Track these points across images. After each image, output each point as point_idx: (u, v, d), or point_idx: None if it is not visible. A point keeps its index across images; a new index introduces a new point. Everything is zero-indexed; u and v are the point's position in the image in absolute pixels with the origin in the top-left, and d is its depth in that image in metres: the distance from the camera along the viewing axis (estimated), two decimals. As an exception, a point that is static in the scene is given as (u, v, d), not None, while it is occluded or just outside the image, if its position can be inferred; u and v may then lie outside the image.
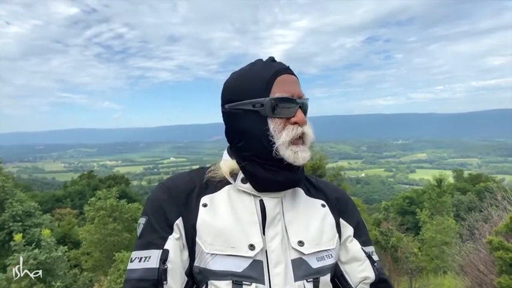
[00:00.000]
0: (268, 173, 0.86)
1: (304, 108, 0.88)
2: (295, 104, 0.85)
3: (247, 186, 0.88)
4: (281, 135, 0.83)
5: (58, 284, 6.76)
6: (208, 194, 0.89)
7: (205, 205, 0.86)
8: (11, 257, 6.72)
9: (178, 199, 0.87)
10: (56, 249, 7.53)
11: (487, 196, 6.79)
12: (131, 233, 13.17)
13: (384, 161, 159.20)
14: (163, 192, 0.89)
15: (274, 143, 0.83)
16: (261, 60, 0.93)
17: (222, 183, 0.90)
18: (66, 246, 8.62)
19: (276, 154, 0.83)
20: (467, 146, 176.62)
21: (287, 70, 0.89)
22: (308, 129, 0.87)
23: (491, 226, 5.81)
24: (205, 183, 0.91)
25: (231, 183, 0.90)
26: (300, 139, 0.86)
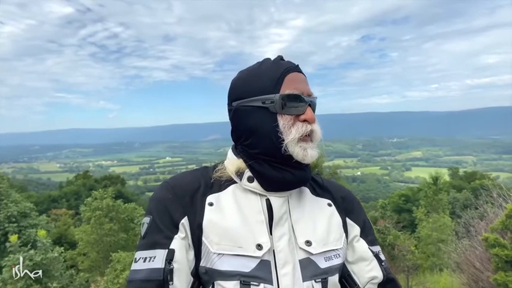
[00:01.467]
0: (276, 172, 0.85)
1: (312, 106, 0.88)
2: (304, 102, 0.85)
3: (254, 185, 0.87)
4: (290, 132, 0.83)
5: (54, 285, 6.69)
6: (214, 193, 0.87)
7: (211, 204, 0.85)
8: (6, 258, 6.65)
9: (183, 198, 0.85)
10: (52, 250, 7.47)
11: (482, 193, 6.83)
12: (128, 233, 13.14)
13: (379, 159, 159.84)
14: (167, 191, 0.87)
15: (283, 140, 0.83)
16: (269, 59, 0.92)
17: (227, 182, 0.89)
18: (62, 247, 8.55)
19: (285, 151, 0.83)
20: (462, 144, 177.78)
21: (296, 68, 0.89)
22: (317, 127, 0.87)
23: (486, 223, 5.84)
24: (211, 182, 0.90)
25: (236, 183, 0.89)
26: (308, 137, 0.86)
